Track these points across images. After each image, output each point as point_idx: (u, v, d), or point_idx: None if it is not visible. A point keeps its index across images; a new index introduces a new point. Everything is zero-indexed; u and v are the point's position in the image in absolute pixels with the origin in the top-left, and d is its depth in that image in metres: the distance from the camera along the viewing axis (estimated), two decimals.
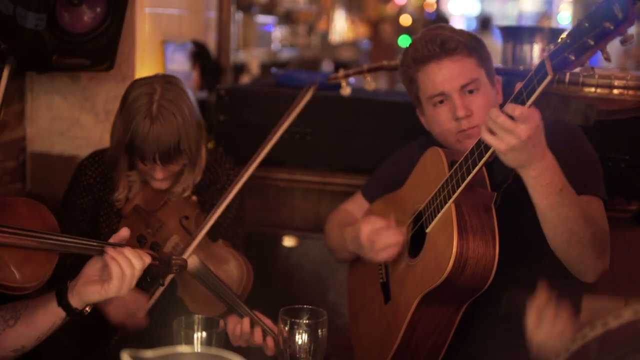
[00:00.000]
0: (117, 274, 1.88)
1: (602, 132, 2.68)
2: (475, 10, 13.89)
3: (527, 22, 12.80)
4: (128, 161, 2.47)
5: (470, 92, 2.31)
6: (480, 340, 2.33)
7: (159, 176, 2.42)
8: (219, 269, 2.41)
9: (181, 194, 2.54)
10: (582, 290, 2.33)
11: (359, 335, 2.61)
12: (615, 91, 2.76)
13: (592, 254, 2.07)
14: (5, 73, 1.74)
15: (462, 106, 2.27)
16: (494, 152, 1.99)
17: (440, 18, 11.24)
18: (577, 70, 1.86)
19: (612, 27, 1.72)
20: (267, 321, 2.31)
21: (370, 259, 2.36)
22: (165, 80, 2.44)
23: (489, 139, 1.94)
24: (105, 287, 1.89)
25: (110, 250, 1.91)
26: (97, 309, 2.39)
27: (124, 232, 1.98)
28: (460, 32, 2.39)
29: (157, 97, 2.36)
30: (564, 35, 1.84)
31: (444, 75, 2.31)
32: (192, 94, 2.50)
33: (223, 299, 2.34)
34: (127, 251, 1.92)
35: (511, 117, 1.89)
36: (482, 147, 2.00)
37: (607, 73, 2.79)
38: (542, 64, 1.87)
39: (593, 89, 2.77)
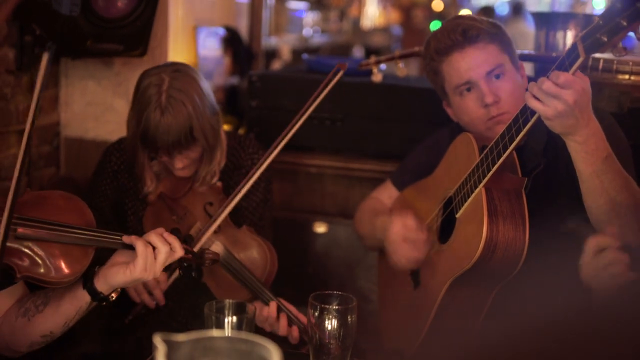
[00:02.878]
0: (141, 252, 1.89)
1: (635, 120, 2.65)
2: None
3: (561, 8, 12.63)
4: (148, 153, 2.46)
5: (497, 77, 2.30)
6: (512, 326, 2.32)
7: (179, 165, 2.42)
8: (243, 255, 2.42)
9: (209, 181, 2.53)
10: None
11: (388, 320, 2.62)
12: None
13: (634, 224, 2.03)
14: (45, 59, 1.73)
15: (489, 92, 2.27)
16: (524, 136, 1.98)
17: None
18: (610, 52, 1.84)
19: None
20: (292, 308, 2.32)
21: (391, 260, 2.37)
22: (174, 69, 2.41)
23: (535, 104, 1.92)
24: (130, 267, 1.89)
25: (132, 240, 1.93)
26: None
27: (159, 230, 1.98)
28: (481, 19, 2.38)
29: (165, 88, 2.34)
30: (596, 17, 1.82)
31: (469, 63, 2.30)
32: (205, 80, 2.48)
33: (247, 285, 2.36)
34: (152, 234, 1.94)
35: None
36: (512, 131, 2.00)
37: None
38: (574, 46, 1.86)
39: (627, 76, 2.73)
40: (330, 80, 2.43)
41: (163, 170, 2.55)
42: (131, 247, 1.94)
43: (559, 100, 1.87)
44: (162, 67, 2.44)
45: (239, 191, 2.37)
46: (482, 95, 2.28)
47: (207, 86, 2.47)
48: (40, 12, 2.72)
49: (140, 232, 2.51)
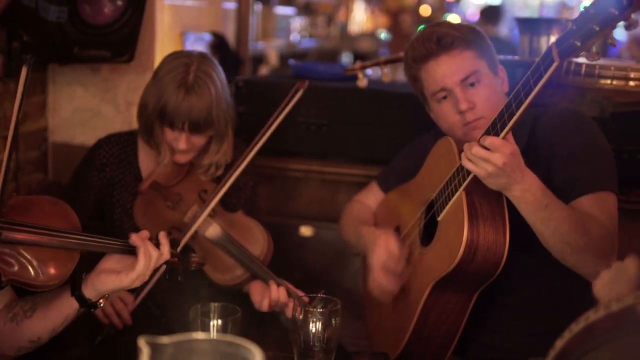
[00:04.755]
0: (141, 265, 1.91)
1: (617, 124, 2.68)
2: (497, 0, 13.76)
3: (549, 12, 12.68)
4: (161, 130, 2.52)
5: (472, 84, 2.33)
6: (493, 328, 2.35)
7: (182, 147, 2.48)
8: (242, 237, 2.47)
9: (213, 172, 2.60)
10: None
11: (374, 323, 2.64)
12: (632, 83, 2.75)
13: (590, 259, 2.09)
14: (23, 73, 1.74)
15: (464, 99, 2.30)
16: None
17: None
18: (583, 56, 1.88)
19: (616, 13, 1.75)
20: (289, 285, 2.37)
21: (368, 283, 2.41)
22: (201, 55, 2.54)
23: (468, 165, 2.03)
24: (122, 276, 1.91)
25: (138, 242, 1.94)
26: None
27: (145, 234, 2.00)
28: (459, 26, 2.41)
29: (194, 69, 2.45)
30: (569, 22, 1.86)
31: (444, 70, 2.33)
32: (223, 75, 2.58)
33: (246, 265, 2.42)
34: (150, 246, 1.96)
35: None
36: (491, 135, 2.02)
37: (624, 65, 2.79)
38: (548, 51, 1.90)
39: (609, 81, 2.76)
40: (290, 100, 2.52)
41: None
42: (119, 252, 1.96)
43: (489, 163, 1.97)
44: (189, 51, 2.57)
45: (230, 176, 2.46)
46: (457, 102, 2.31)
47: (225, 80, 2.59)
48: (27, 19, 2.73)
49: (128, 223, 2.55)
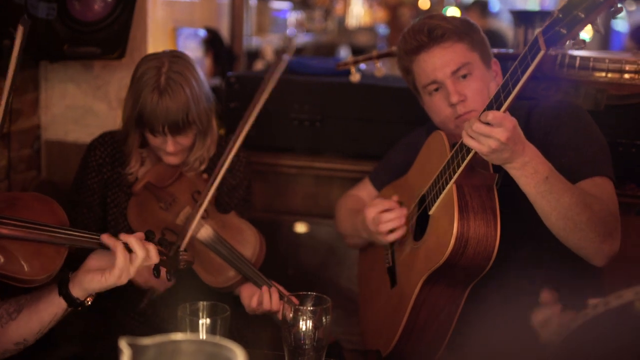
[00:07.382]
0: (120, 261, 1.90)
1: (612, 117, 2.67)
2: None
3: (550, 4, 12.64)
4: (139, 137, 2.51)
5: (464, 77, 2.31)
6: (486, 323, 2.34)
7: (170, 149, 2.45)
8: (234, 239, 2.45)
9: (198, 167, 2.58)
10: (589, 272, 2.31)
11: (367, 319, 2.63)
12: (627, 76, 2.74)
13: (593, 237, 2.07)
14: (20, 33, 1.74)
15: (455, 92, 2.29)
16: None
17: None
18: (570, 44, 1.86)
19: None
20: (280, 288, 2.36)
21: (379, 241, 2.41)
22: (173, 55, 2.48)
23: (470, 142, 1.99)
24: (107, 275, 1.90)
25: (114, 239, 1.93)
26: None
27: (139, 234, 1.99)
28: (451, 18, 2.39)
29: (164, 70, 2.40)
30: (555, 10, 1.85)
31: (435, 63, 2.32)
32: (200, 69, 2.54)
33: (238, 267, 2.39)
34: (133, 238, 1.94)
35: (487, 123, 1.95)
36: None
37: (618, 57, 2.78)
38: (535, 40, 1.88)
39: (604, 74, 2.75)
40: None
41: (151, 159, 2.58)
42: (103, 248, 1.94)
43: (492, 139, 1.93)
44: (161, 53, 2.51)
45: (218, 172, 2.38)
46: (448, 95, 2.30)
47: (202, 74, 2.53)
48: (16, 16, 2.71)
49: (122, 224, 2.54)
